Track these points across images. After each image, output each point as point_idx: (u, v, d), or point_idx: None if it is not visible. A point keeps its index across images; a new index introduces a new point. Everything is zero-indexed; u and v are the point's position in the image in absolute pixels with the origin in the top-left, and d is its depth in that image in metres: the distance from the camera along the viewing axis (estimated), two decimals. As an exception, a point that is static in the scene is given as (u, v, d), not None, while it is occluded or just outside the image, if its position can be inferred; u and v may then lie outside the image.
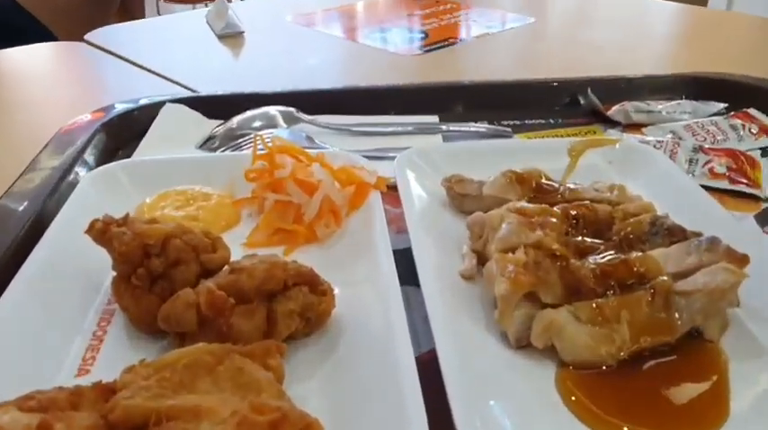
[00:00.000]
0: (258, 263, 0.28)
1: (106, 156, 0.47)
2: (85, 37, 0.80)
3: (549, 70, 0.68)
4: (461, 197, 0.39)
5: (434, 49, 0.75)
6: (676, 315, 0.29)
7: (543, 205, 0.35)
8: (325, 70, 0.71)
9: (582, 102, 0.56)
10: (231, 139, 0.49)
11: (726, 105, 0.55)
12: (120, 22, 0.97)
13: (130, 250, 0.28)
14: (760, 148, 0.50)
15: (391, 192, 0.39)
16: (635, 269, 0.31)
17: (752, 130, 0.52)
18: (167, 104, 0.52)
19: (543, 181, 0.39)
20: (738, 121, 0.52)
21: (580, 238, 0.34)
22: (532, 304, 0.29)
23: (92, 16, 1.16)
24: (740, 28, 0.86)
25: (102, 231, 0.29)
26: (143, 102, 0.53)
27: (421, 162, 0.42)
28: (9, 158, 0.47)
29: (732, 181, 0.45)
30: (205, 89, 0.62)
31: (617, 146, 0.44)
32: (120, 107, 0.52)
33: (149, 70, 0.68)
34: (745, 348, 0.29)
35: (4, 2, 1.17)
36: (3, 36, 1.11)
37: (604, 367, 0.28)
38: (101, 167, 0.40)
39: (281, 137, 0.43)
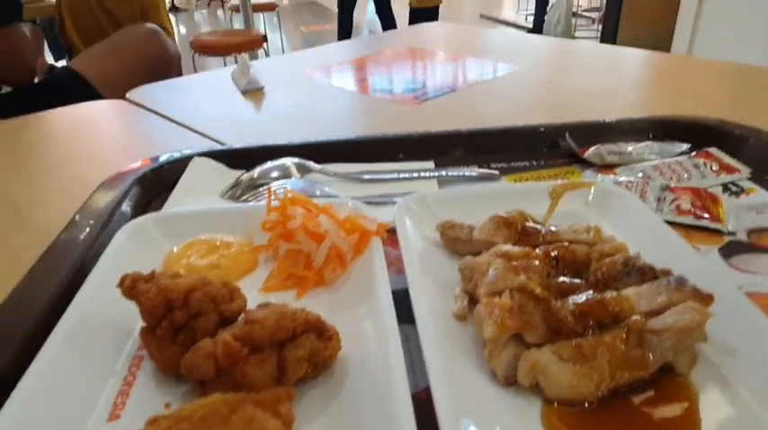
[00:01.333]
0: (269, 313, 0.27)
1: (140, 207, 0.46)
2: (127, 95, 0.80)
3: (532, 114, 0.67)
4: (454, 241, 0.38)
5: (432, 97, 0.74)
6: (650, 352, 0.28)
7: (526, 248, 0.34)
8: (336, 119, 0.71)
9: (561, 145, 0.55)
10: (252, 188, 0.48)
11: (689, 146, 0.54)
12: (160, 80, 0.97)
13: (155, 305, 0.27)
14: (721, 184, 0.49)
15: (392, 235, 0.38)
16: (610, 308, 0.30)
17: (713, 168, 0.51)
18: (195, 158, 0.52)
19: (527, 224, 0.38)
20: (701, 160, 0.51)
21: (560, 279, 0.33)
22: (518, 344, 0.28)
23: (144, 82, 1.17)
24: (699, 71, 0.85)
25: (130, 287, 0.28)
26: (174, 156, 0.52)
27: (417, 208, 0.41)
28: (57, 209, 0.47)
29: (697, 217, 0.43)
30: (230, 141, 0.61)
31: (592, 189, 0.43)
32: (153, 162, 0.51)
33: (182, 124, 0.68)
34: (713, 381, 0.28)
35: (62, 70, 1.19)
36: (59, 96, 1.12)
37: (586, 403, 0.27)
38: (134, 221, 0.39)
39: (293, 190, 0.42)
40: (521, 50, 0.99)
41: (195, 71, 3.27)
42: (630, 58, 0.93)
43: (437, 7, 4.49)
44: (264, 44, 3.13)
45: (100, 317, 0.31)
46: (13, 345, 0.30)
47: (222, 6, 7.48)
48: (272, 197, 0.38)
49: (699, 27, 3.63)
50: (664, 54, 0.94)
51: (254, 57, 3.51)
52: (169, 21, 1.62)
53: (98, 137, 0.68)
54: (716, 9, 3.50)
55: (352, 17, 4.17)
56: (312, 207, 0.38)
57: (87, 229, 0.40)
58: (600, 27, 4.72)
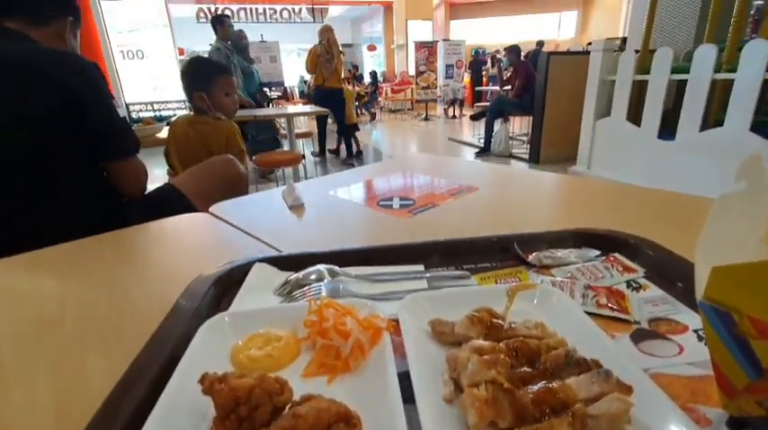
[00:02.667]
0: (310, 409, 0.26)
1: (217, 301, 0.46)
2: (210, 209, 0.81)
3: (489, 225, 0.68)
4: (441, 334, 0.37)
5: (420, 211, 0.75)
6: (590, 434, 0.27)
7: (494, 343, 0.33)
8: (354, 227, 0.71)
9: (512, 251, 0.55)
10: (297, 287, 0.48)
11: (599, 252, 0.54)
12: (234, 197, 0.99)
13: (226, 402, 0.26)
14: (625, 282, 0.48)
15: (396, 325, 0.37)
16: (559, 396, 0.28)
17: (618, 269, 0.50)
18: (256, 263, 0.51)
19: (493, 320, 0.37)
20: (609, 263, 0.51)
21: (521, 369, 0.31)
22: (495, 429, 0.27)
23: (223, 196, 1.20)
24: (597, 189, 0.86)
25: (208, 387, 0.27)
26: (241, 262, 0.52)
27: (413, 306, 0.40)
28: (158, 298, 0.46)
29: (611, 309, 0.43)
30: (282, 246, 0.61)
31: (537, 290, 0.43)
32: (226, 266, 0.51)
33: (248, 233, 0.68)
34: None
35: (165, 186, 1.21)
36: (163, 205, 1.13)
37: (546, 479, 0.25)
38: (210, 320, 0.38)
39: (325, 292, 0.42)
40: (482, 174, 1.01)
41: (257, 181, 3.34)
42: (553, 180, 0.95)
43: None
44: (303, 160, 3.22)
45: (184, 404, 0.30)
46: (118, 424, 0.28)
47: (277, 133, 7.77)
48: (311, 302, 0.38)
49: (594, 147, 3.77)
50: (573, 177, 0.96)
51: (296, 171, 3.61)
52: (244, 144, 1.68)
53: (189, 243, 0.68)
54: (604, 135, 3.65)
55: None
56: (340, 308, 0.38)
57: (177, 326, 0.39)
58: (528, 146, 4.90)
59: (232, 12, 11.20)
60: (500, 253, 0.56)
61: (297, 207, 0.80)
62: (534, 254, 0.53)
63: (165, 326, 0.39)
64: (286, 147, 4.25)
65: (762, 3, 3.79)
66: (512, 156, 4.95)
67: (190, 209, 1.12)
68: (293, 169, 3.58)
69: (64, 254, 0.64)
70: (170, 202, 1.14)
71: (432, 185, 0.90)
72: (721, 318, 0.26)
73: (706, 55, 2.79)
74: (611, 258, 0.52)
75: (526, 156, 4.81)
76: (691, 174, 2.92)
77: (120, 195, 1.09)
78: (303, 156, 3.18)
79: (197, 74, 1.62)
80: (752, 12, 3.75)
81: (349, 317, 0.36)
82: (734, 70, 2.65)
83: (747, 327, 0.25)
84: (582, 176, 3.70)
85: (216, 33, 3.80)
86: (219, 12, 11.34)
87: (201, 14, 11.07)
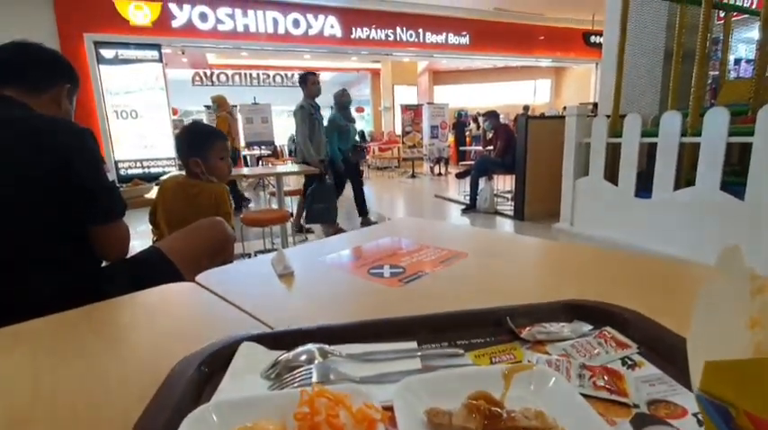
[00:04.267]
0: None
1: (198, 391, 0.43)
2: (197, 278, 0.80)
3: (479, 295, 0.68)
4: (438, 426, 0.35)
5: (410, 280, 0.75)
6: None
7: (493, 437, 0.32)
8: (344, 297, 0.70)
9: (505, 325, 0.54)
10: (287, 370, 0.46)
11: (591, 327, 0.54)
12: (220, 264, 0.97)
13: None
14: (620, 359, 0.48)
15: (389, 411, 0.36)
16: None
17: (612, 345, 0.50)
18: (243, 343, 0.50)
19: (492, 409, 0.36)
20: (602, 339, 0.51)
21: (522, 468, 0.30)
22: None
23: (210, 259, 1.18)
24: (582, 255, 0.88)
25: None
26: (228, 341, 0.50)
27: (408, 394, 0.39)
28: (138, 384, 0.44)
29: (609, 391, 0.42)
30: (270, 319, 0.60)
31: (533, 371, 0.42)
32: (212, 347, 0.49)
33: (234, 304, 0.67)
34: None
35: (149, 248, 1.19)
36: (146, 269, 1.10)
37: None
38: (193, 413, 0.36)
39: (316, 377, 0.40)
40: (469, 239, 1.03)
41: (243, 239, 3.31)
42: (540, 247, 0.97)
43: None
44: (291, 218, 3.23)
45: None
46: None
47: (263, 189, 7.87)
48: (302, 392, 0.36)
49: (576, 204, 3.89)
50: (560, 244, 0.99)
51: (284, 230, 3.61)
52: (231, 207, 1.69)
53: (174, 317, 0.66)
54: (584, 193, 3.79)
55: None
56: (332, 397, 0.36)
57: (158, 416, 0.37)
58: (513, 203, 5.03)
59: (227, 76, 11.76)
60: (493, 327, 0.55)
61: (286, 275, 0.79)
62: (528, 329, 0.53)
63: (143, 424, 0.37)
64: (274, 205, 4.28)
65: (717, 74, 4.17)
66: (497, 212, 5.07)
67: (175, 275, 1.10)
68: (281, 227, 3.58)
69: (39, 330, 0.61)
70: (155, 267, 1.12)
71: (421, 251, 0.91)
72: (719, 412, 0.26)
73: (672, 121, 3.01)
74: (605, 333, 0.52)
75: (511, 213, 4.92)
76: (668, 229, 3.03)
77: (100, 259, 1.07)
78: (291, 215, 3.19)
79: (194, 140, 1.66)
80: (709, 81, 4.11)
81: (342, 407, 0.35)
82: (698, 134, 2.84)
83: (745, 423, 0.25)
84: (568, 242, 3.78)
85: (303, 91, 3.98)
86: (215, 77, 11.92)
87: (197, 78, 11.59)
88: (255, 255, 3.68)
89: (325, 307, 0.66)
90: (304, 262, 0.87)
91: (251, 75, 12.16)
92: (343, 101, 4.25)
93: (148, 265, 1.12)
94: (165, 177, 2.82)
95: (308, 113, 3.86)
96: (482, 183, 5.22)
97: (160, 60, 7.09)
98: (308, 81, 3.94)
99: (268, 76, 12.37)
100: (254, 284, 0.77)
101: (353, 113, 4.46)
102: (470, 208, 5.17)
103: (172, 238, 1.27)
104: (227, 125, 5.55)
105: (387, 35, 9.05)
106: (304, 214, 3.95)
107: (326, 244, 1.03)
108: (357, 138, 4.71)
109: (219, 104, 5.57)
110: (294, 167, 4.56)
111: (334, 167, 4.15)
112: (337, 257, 0.91)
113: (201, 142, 1.65)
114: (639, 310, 0.54)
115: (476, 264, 0.83)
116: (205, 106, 7.93)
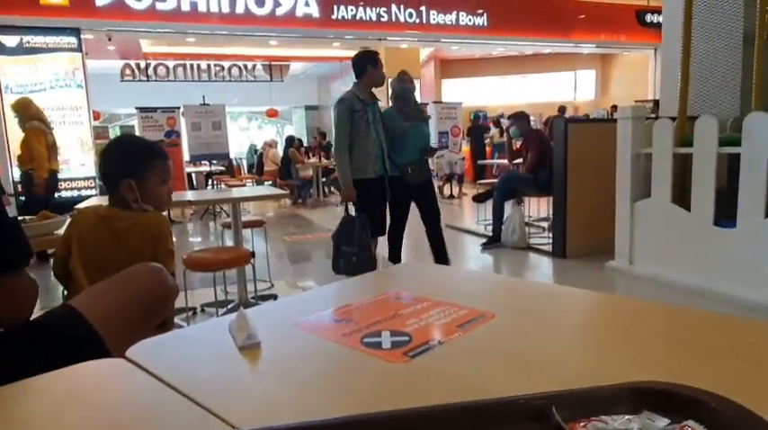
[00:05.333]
0: None
1: None
2: (126, 354, 0.79)
3: (517, 374, 0.68)
4: None
5: (419, 352, 0.75)
6: None
7: None
8: (331, 379, 0.70)
9: (551, 419, 0.54)
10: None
11: (668, 421, 0.54)
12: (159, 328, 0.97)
13: None
14: (708, 465, 0.47)
15: None
16: None
17: (696, 445, 0.50)
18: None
19: None
20: (684, 437, 0.51)
21: None
22: None
23: (145, 322, 1.16)
24: (649, 315, 0.89)
25: None
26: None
27: None
28: None
29: None
30: (227, 410, 0.59)
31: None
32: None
33: (179, 391, 0.66)
34: None
35: (60, 308, 1.18)
36: (56, 337, 1.09)
37: None
38: None
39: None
40: (496, 292, 1.03)
41: (186, 287, 3.30)
42: (590, 301, 0.98)
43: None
44: (252, 259, 3.22)
45: None
46: None
47: (214, 220, 7.89)
48: None
49: (635, 236, 3.93)
50: (615, 298, 0.99)
51: (241, 275, 3.59)
52: (173, 244, 1.69)
53: (95, 410, 0.64)
54: (646, 221, 3.82)
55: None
56: None
57: None
58: (551, 235, 5.05)
59: (167, 68, 11.99)
60: (533, 422, 0.55)
61: (251, 347, 0.79)
62: (581, 425, 0.52)
63: None
64: (228, 240, 4.27)
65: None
66: (530, 248, 5.09)
67: (97, 347, 1.08)
68: (238, 272, 3.57)
69: None
70: (68, 336, 1.10)
71: (431, 311, 0.91)
72: None
73: (759, 124, 3.06)
74: (683, 428, 0.52)
75: (549, 248, 4.94)
76: (760, 270, 3.04)
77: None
78: (253, 254, 3.18)
79: (129, 157, 1.67)
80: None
81: None
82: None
83: None
84: (626, 288, 3.79)
85: (357, 77, 3.46)
86: (152, 69, 12.12)
87: (127, 71, 11.82)
88: (203, 310, 3.65)
89: (304, 392, 0.65)
90: (274, 328, 0.87)
91: (199, 66, 12.42)
92: (398, 89, 3.66)
93: (58, 334, 1.10)
94: (81, 205, 2.82)
95: (348, 109, 3.34)
96: (509, 208, 5.27)
97: (79, 49, 7.25)
98: (367, 63, 3.42)
99: (222, 67, 12.65)
100: (207, 361, 0.76)
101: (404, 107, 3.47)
102: (494, 241, 5.19)
103: (92, 294, 1.25)
104: (43, 140, 4.82)
105: (379, 15, 9.33)
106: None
107: (304, 301, 1.03)
108: (431, 144, 3.98)
109: (20, 111, 4.88)
110: (258, 190, 4.57)
111: (376, 191, 3.51)
112: (319, 320, 0.90)
113: (138, 160, 1.66)
114: (734, 397, 0.54)
115: (506, 329, 0.83)
116: (138, 108, 8.03)
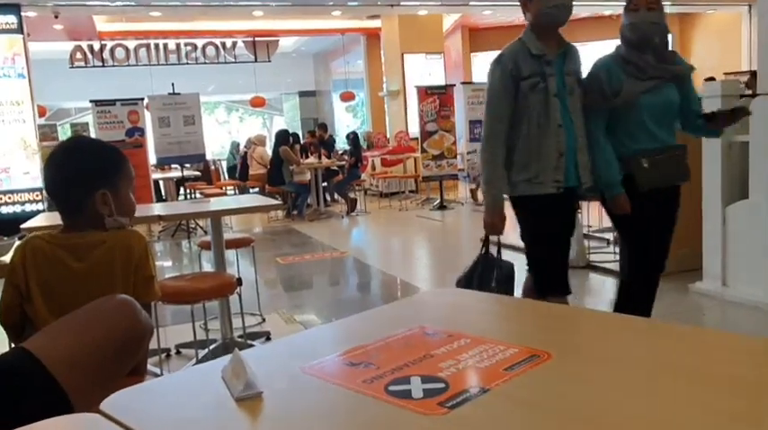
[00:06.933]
0: None
1: None
2: (101, 407, 0.82)
3: (569, 422, 0.70)
4: None
5: (458, 402, 0.77)
6: None
7: None
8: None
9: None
10: None
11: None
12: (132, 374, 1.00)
13: None
14: None
15: None
16: None
17: None
18: None
19: None
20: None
21: None
22: None
23: (116, 370, 1.19)
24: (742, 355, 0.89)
25: None
26: None
27: None
28: None
29: None
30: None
31: None
32: None
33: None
34: None
35: (12, 353, 1.21)
36: (10, 396, 1.12)
37: None
38: None
39: None
40: (552, 327, 1.04)
41: (157, 324, 3.36)
42: (661, 334, 0.99)
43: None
44: (238, 288, 3.26)
45: None
46: None
47: (188, 238, 7.97)
48: None
49: (728, 250, 3.89)
50: (697, 329, 1.00)
51: (224, 307, 3.62)
52: (155, 266, 1.73)
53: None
54: (742, 229, 3.79)
55: None
56: None
57: None
58: (616, 250, 5.02)
59: (127, 50, 12.19)
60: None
61: (249, 398, 0.81)
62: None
63: None
64: (207, 264, 4.30)
65: None
66: (590, 266, 5.07)
67: (58, 398, 1.11)
68: (220, 304, 3.61)
69: None
70: (24, 385, 1.13)
71: (470, 350, 0.93)
72: None
73: None
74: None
75: (614, 266, 4.91)
76: None
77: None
78: (239, 282, 3.22)
79: (102, 162, 1.71)
80: None
81: None
82: None
83: None
84: (720, 320, 3.71)
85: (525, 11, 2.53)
86: (108, 52, 12.31)
87: (78, 55, 12.03)
88: (178, 352, 3.68)
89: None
90: (276, 374, 0.90)
91: (166, 47, 12.61)
92: (627, 26, 2.57)
93: (10, 384, 1.14)
94: (28, 224, 2.87)
95: (506, 74, 2.46)
96: (563, 215, 5.24)
97: (20, 30, 7.41)
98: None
99: (194, 47, 12.82)
100: (200, 416, 0.79)
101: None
102: (545, 259, 5.17)
103: (50, 335, 1.28)
104: None
105: (390, -27, 9.39)
106: None
107: (308, 341, 1.05)
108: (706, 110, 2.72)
109: None
110: (243, 200, 4.57)
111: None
112: (330, 364, 0.93)
113: (110, 164, 1.70)
114: None
115: (565, 373, 0.85)
116: (93, 101, 8.17)
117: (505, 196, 2.60)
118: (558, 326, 1.04)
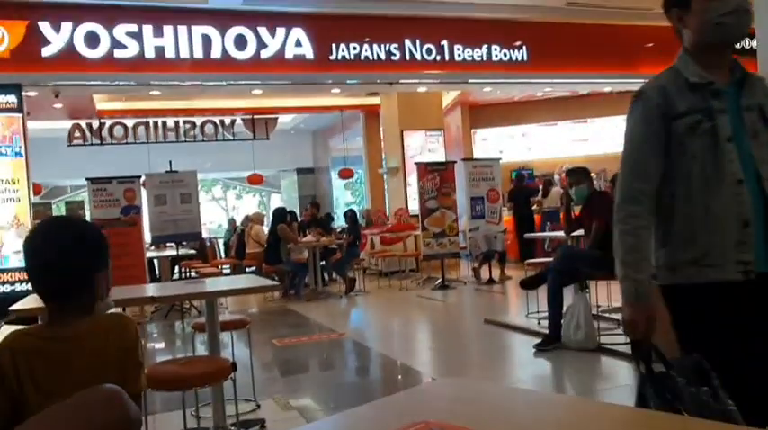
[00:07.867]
0: None
1: None
2: None
3: None
4: None
5: None
6: None
7: None
8: None
9: None
10: None
11: None
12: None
13: None
14: None
15: None
16: None
17: None
18: None
19: None
20: None
21: None
22: None
23: None
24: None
25: None
26: None
27: None
28: None
29: None
30: None
31: None
32: None
33: None
34: None
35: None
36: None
37: None
38: None
39: None
40: (556, 423, 1.02)
41: (145, 412, 3.28)
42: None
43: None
44: (233, 373, 3.20)
45: None
46: None
47: (182, 319, 7.89)
48: None
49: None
50: (730, 427, 0.98)
51: (217, 393, 3.55)
52: (143, 352, 1.70)
53: None
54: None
55: None
56: None
57: None
58: (627, 331, 4.95)
59: (126, 128, 12.44)
60: None
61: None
62: None
63: None
64: (200, 347, 4.23)
65: None
66: (601, 348, 4.98)
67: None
68: (213, 390, 3.54)
69: None
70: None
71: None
72: None
73: None
74: None
75: (628, 349, 4.84)
76: None
77: None
78: (234, 366, 3.17)
79: (102, 243, 1.72)
80: None
81: None
82: None
83: None
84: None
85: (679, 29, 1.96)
86: (107, 130, 12.54)
87: (77, 134, 12.26)
88: (168, 445, 3.58)
89: None
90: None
91: (165, 124, 12.87)
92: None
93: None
94: (19, 306, 2.84)
95: (655, 112, 1.86)
96: (569, 296, 5.19)
97: (20, 110, 7.58)
98: None
99: (193, 125, 13.09)
100: None
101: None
102: (552, 341, 5.08)
103: (35, 427, 1.25)
104: None
105: (389, 52, 9.66)
106: None
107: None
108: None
109: None
110: (239, 281, 4.56)
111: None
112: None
113: (105, 245, 1.71)
114: None
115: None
116: (89, 179, 8.28)
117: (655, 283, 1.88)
118: (570, 421, 1.01)
